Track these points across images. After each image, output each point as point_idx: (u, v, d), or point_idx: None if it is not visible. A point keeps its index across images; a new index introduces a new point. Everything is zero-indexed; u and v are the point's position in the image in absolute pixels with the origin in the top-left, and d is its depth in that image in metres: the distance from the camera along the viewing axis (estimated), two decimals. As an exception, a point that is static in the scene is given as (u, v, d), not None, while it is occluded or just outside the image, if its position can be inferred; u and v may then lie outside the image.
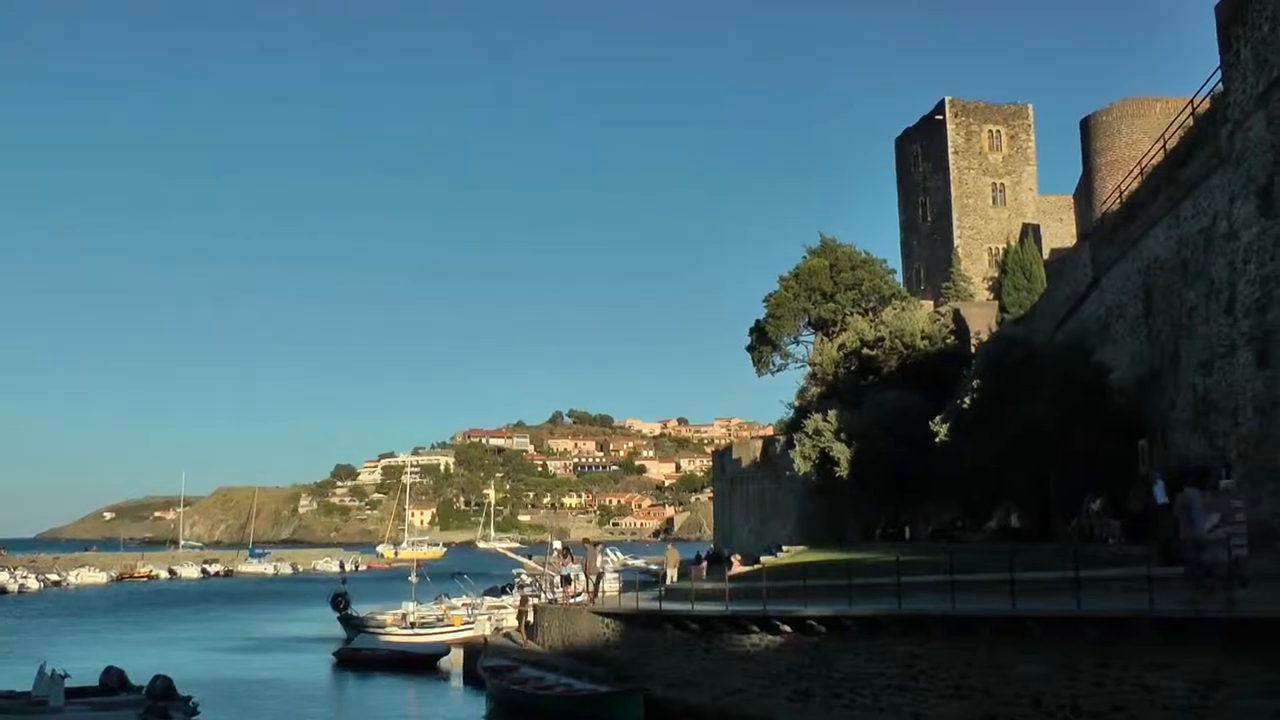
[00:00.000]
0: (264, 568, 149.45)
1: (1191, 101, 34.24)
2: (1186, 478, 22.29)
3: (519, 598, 54.02)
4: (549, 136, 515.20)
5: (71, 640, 58.14)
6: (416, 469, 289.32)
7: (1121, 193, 41.62)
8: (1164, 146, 36.18)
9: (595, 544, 49.97)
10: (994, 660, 21.33)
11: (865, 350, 56.35)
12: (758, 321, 73.09)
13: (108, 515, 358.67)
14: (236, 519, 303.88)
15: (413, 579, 61.15)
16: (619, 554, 78.65)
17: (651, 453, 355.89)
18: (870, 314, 63.19)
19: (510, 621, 51.90)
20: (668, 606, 32.92)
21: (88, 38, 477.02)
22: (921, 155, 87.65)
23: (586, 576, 41.92)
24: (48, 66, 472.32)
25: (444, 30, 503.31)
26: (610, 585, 43.40)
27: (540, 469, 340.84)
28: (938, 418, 42.02)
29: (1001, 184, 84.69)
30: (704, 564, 49.19)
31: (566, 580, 46.54)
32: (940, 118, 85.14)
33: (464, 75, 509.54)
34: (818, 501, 55.78)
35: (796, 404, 65.00)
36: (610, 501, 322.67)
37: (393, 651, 49.79)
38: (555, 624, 40.58)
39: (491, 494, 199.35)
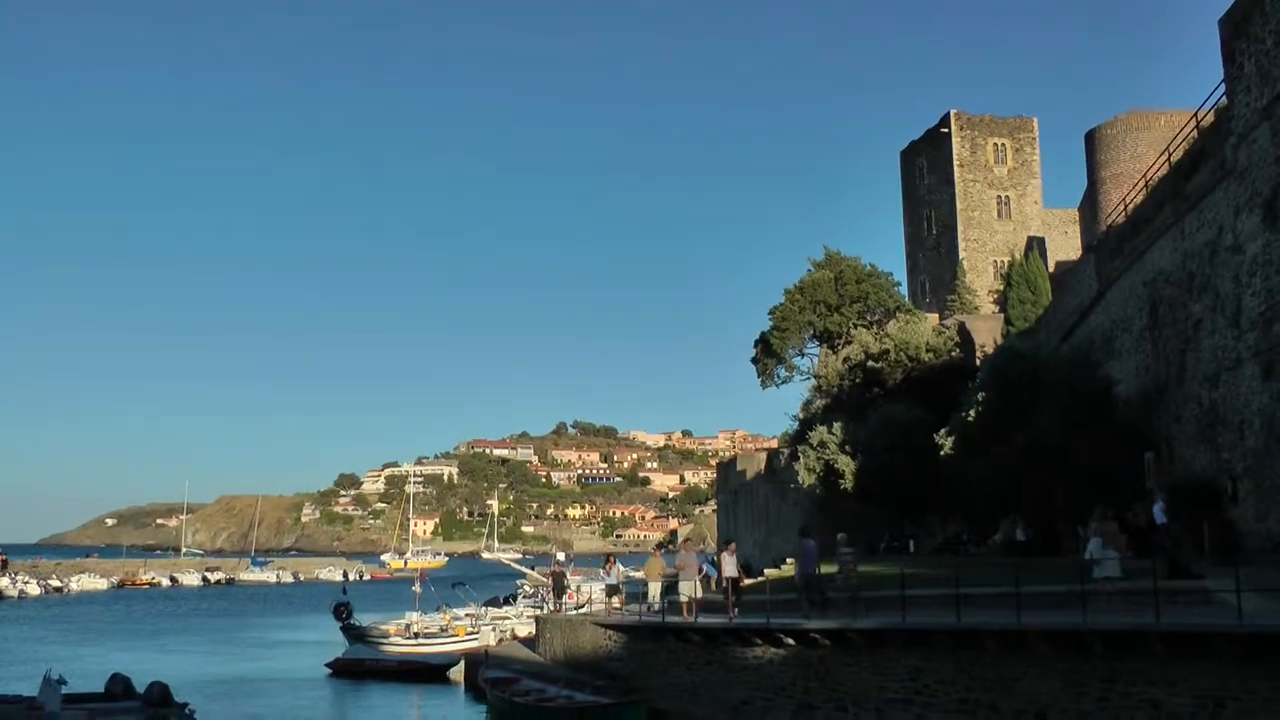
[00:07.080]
0: (266, 576, 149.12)
1: (1195, 114, 34.23)
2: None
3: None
4: (552, 148, 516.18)
5: (72, 646, 58.14)
6: (420, 479, 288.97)
7: (1126, 206, 41.59)
8: (1168, 159, 36.17)
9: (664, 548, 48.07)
10: (999, 675, 21.24)
11: (870, 363, 56.20)
12: (762, 334, 72.88)
13: (110, 522, 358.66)
14: (239, 527, 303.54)
15: (416, 589, 60.99)
16: (622, 566, 78.33)
17: (656, 464, 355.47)
18: (875, 327, 63.03)
19: (517, 630, 51.99)
20: (670, 619, 32.82)
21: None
22: (927, 168, 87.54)
23: (649, 583, 35.92)
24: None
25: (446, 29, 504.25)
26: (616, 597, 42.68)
27: (544, 480, 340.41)
28: (943, 430, 41.87)
29: (1006, 197, 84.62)
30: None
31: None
32: (945, 130, 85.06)
33: (484, 74, 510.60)
34: (822, 514, 55.59)
35: (801, 416, 64.80)
36: (614, 513, 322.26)
37: (403, 661, 49.63)
38: (557, 635, 40.44)
39: (495, 504, 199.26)
